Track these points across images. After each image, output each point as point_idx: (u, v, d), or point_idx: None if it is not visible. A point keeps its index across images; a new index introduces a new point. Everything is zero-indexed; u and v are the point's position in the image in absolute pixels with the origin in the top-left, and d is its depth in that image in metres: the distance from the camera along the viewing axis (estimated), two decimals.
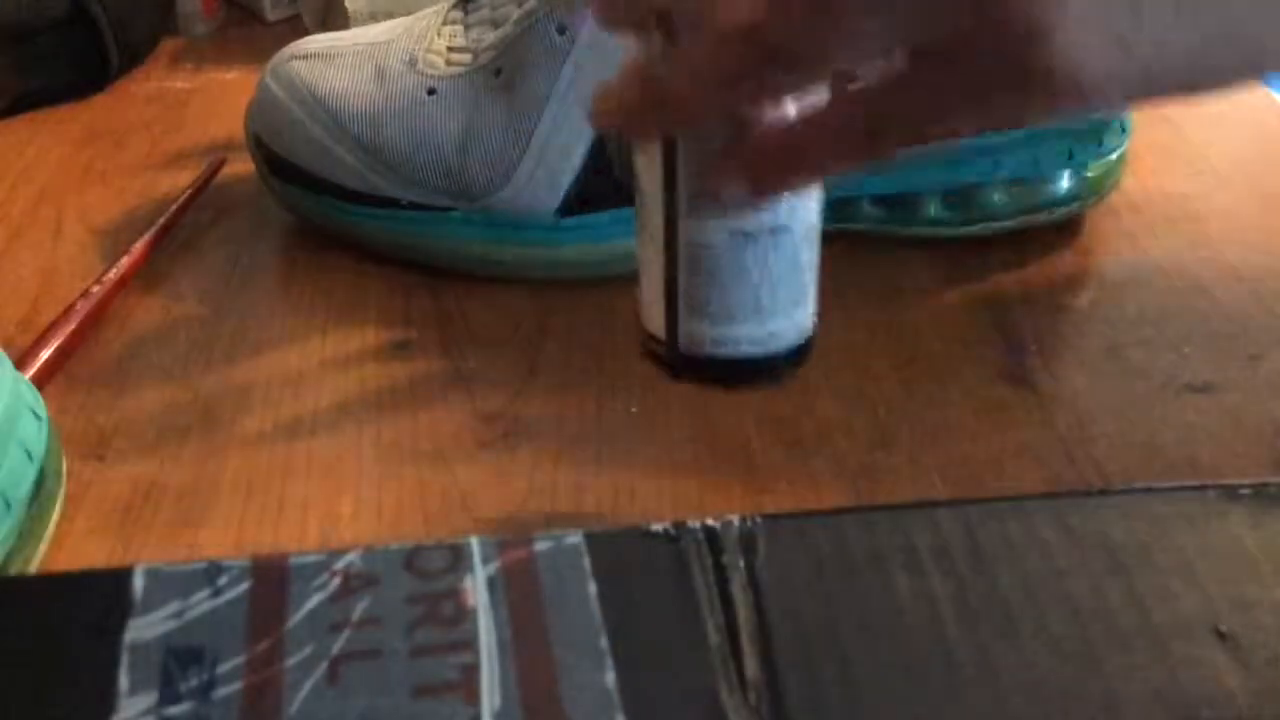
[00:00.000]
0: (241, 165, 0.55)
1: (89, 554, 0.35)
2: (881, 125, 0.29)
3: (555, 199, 0.43)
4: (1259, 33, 0.27)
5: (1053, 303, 0.45)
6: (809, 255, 0.31)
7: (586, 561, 0.25)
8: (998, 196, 0.46)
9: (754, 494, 0.37)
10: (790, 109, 0.30)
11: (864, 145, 0.29)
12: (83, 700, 0.23)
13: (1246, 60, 0.28)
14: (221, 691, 0.23)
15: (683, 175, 0.30)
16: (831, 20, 0.26)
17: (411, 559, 0.25)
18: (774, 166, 0.30)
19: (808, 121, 0.30)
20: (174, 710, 0.22)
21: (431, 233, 0.45)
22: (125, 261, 0.46)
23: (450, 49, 0.45)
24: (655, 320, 0.32)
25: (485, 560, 0.25)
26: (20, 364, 0.40)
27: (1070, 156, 0.46)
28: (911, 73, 0.27)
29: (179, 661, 0.23)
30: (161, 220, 0.49)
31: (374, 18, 0.57)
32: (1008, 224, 0.47)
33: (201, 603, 0.24)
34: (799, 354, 0.32)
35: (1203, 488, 0.27)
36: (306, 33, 0.57)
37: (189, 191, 0.51)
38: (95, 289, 0.44)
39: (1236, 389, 0.41)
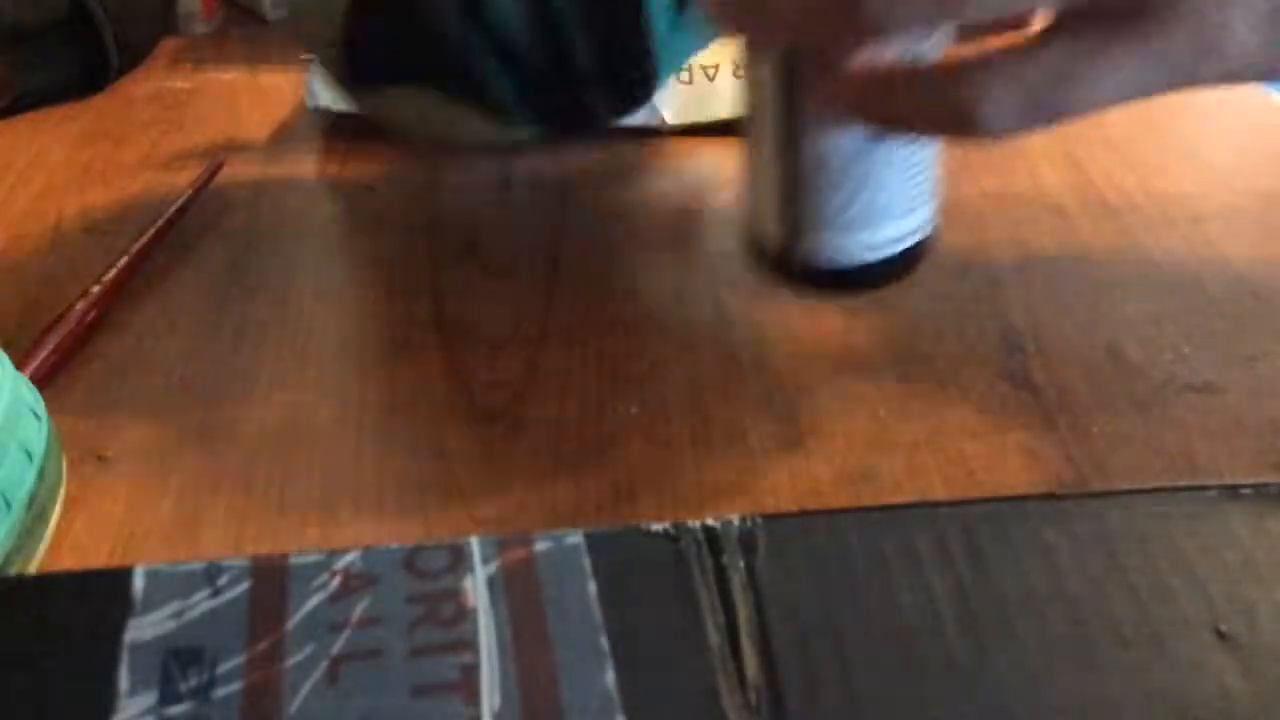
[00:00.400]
0: (241, 165, 0.55)
1: (89, 554, 0.35)
2: (1011, 94, 0.27)
3: None
4: None
5: (1053, 303, 0.45)
6: (927, 154, 0.30)
7: (586, 561, 0.25)
8: None
9: (754, 494, 0.37)
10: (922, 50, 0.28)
11: (983, 117, 0.27)
12: (83, 700, 0.23)
13: None
14: (221, 691, 0.23)
15: (802, 88, 0.28)
16: None
17: (411, 559, 0.25)
18: (883, 110, 0.28)
19: (925, 78, 0.27)
20: (174, 710, 0.22)
21: None
22: (125, 261, 0.46)
23: None
24: (771, 232, 0.30)
25: (485, 560, 0.25)
26: (20, 364, 0.41)
27: None
28: (1049, 36, 0.26)
29: (179, 661, 0.23)
30: (161, 220, 0.49)
31: None
32: None
33: (201, 603, 0.24)
34: (916, 255, 0.31)
35: (1203, 488, 0.27)
36: None
37: (189, 191, 0.51)
38: (95, 289, 0.44)
39: (1236, 389, 0.41)
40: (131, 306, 0.45)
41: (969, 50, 0.28)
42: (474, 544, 0.26)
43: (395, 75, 0.48)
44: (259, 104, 0.61)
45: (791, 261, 0.30)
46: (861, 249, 0.30)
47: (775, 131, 0.29)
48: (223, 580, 0.25)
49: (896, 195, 0.29)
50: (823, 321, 0.44)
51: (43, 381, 0.41)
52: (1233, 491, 0.27)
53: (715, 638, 0.24)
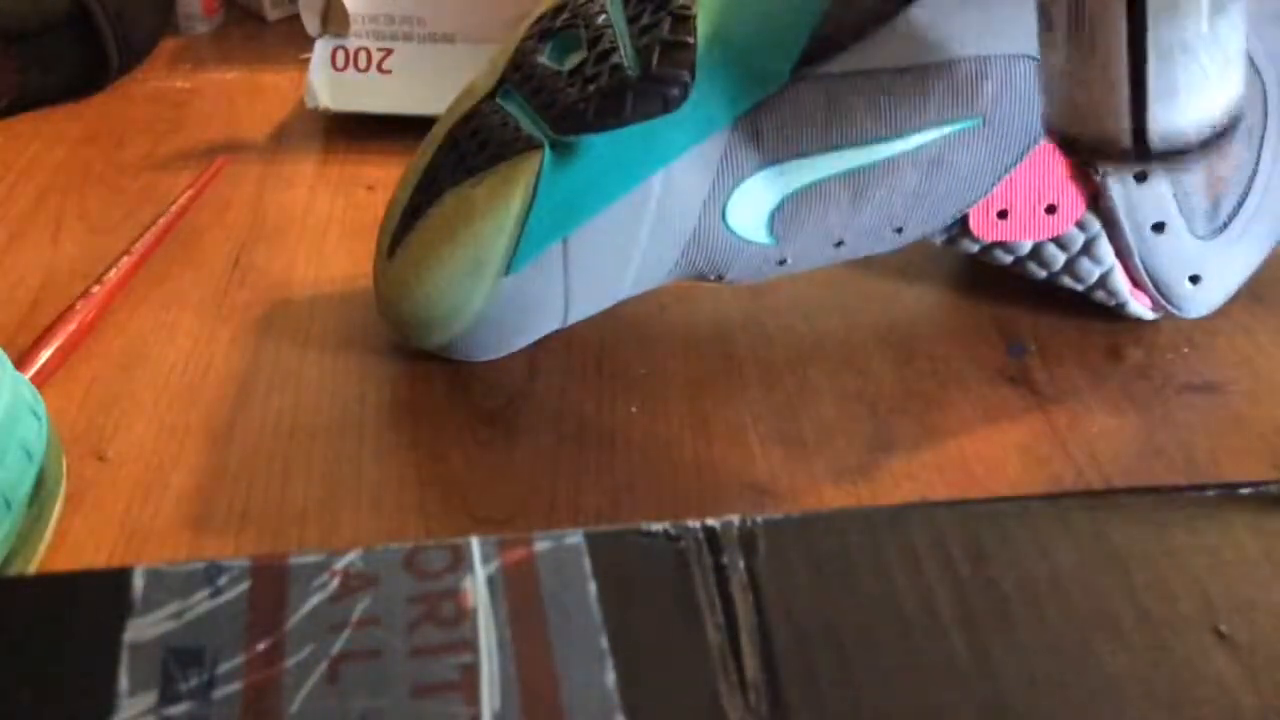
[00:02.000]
0: (241, 165, 0.55)
1: (89, 554, 0.35)
2: None
3: None
4: None
5: (1053, 303, 0.45)
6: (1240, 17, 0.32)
7: (586, 561, 0.25)
8: None
9: (754, 494, 0.37)
10: None
11: None
12: (83, 700, 0.23)
13: None
14: (221, 691, 0.23)
15: None
16: None
17: (411, 559, 0.25)
18: None
19: None
20: (174, 710, 0.22)
21: None
22: (125, 261, 0.46)
23: None
24: (1107, 117, 0.32)
25: (485, 560, 0.25)
26: (20, 364, 0.41)
27: None
28: None
29: (179, 661, 0.23)
30: (161, 220, 0.49)
31: (374, 20, 0.57)
32: None
33: (201, 603, 0.24)
34: (1238, 120, 0.33)
35: (1203, 488, 0.27)
36: (306, 33, 0.58)
37: (189, 191, 0.51)
38: (95, 289, 0.44)
39: (1236, 389, 0.41)
40: (131, 306, 0.45)
41: None
42: (474, 544, 0.26)
43: None
44: (259, 104, 0.61)
45: (1140, 144, 0.32)
46: (1202, 123, 0.32)
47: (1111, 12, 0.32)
48: (223, 580, 0.25)
49: (1228, 63, 0.32)
50: (823, 321, 0.44)
51: (43, 381, 0.41)
52: (1233, 491, 0.27)
53: (715, 638, 0.24)
